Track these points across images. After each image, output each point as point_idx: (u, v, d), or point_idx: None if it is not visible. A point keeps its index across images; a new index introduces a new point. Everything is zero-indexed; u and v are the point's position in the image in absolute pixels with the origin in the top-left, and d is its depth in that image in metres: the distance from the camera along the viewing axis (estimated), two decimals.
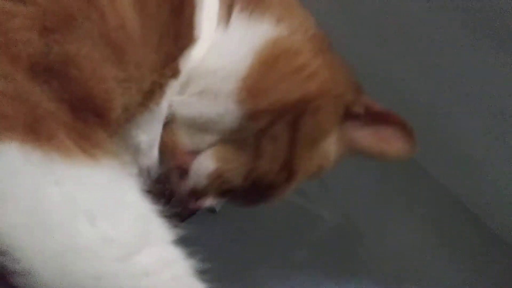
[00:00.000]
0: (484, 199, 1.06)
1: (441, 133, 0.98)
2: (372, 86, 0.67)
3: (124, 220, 0.41)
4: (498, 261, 1.11)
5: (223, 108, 0.58)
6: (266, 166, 0.62)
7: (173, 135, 0.60)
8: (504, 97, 0.83)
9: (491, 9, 0.76)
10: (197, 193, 0.63)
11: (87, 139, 0.41)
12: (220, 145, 0.61)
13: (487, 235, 1.10)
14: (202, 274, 0.44)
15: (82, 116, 0.41)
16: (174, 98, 0.58)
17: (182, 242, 0.45)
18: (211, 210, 1.17)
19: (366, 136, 0.67)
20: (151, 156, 0.58)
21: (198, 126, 0.60)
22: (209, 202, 0.65)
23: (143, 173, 0.58)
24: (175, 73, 0.55)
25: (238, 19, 0.61)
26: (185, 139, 0.60)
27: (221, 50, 0.59)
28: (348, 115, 0.66)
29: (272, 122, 0.60)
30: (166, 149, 0.59)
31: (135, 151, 0.56)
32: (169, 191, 0.63)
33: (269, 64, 0.59)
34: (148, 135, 0.56)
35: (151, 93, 0.52)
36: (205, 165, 0.61)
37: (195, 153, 0.62)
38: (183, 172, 0.62)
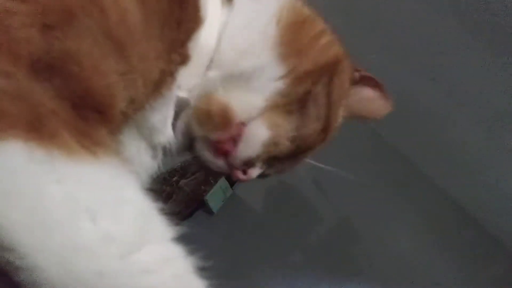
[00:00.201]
0: (482, 201, 1.07)
1: (440, 136, 0.98)
2: None
3: (125, 218, 0.41)
4: (496, 262, 1.12)
5: (265, 59, 0.59)
6: (311, 127, 0.64)
7: (223, 99, 0.59)
8: (503, 101, 0.84)
9: (491, 14, 0.77)
10: (248, 164, 0.63)
11: (88, 136, 0.41)
12: (270, 110, 0.61)
13: (484, 236, 1.11)
14: (202, 271, 0.44)
15: (83, 114, 0.41)
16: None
17: (182, 241, 0.45)
18: (209, 211, 1.18)
19: (357, 99, 0.73)
20: (166, 133, 0.57)
21: (243, 85, 0.60)
22: (256, 172, 0.65)
23: (160, 152, 0.58)
24: (184, 59, 0.55)
25: None
26: (237, 101, 0.60)
27: (239, 27, 0.60)
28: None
29: (312, 84, 0.63)
30: (212, 117, 0.58)
31: (150, 131, 0.56)
32: (168, 190, 0.63)
33: (294, 28, 0.62)
34: (161, 115, 0.56)
35: (162, 82, 0.52)
36: (259, 133, 0.61)
37: (243, 123, 0.61)
38: (231, 142, 0.61)
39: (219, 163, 0.62)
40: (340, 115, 0.70)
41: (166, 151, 0.59)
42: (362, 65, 0.71)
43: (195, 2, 0.55)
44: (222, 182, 1.39)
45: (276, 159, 0.66)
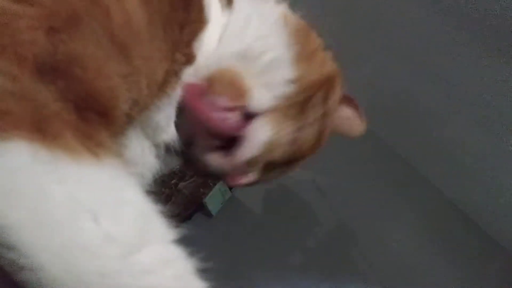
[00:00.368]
0: (480, 202, 1.07)
1: (438, 137, 0.99)
2: (370, 90, 0.69)
3: (126, 219, 0.41)
4: (494, 263, 1.12)
5: (282, 75, 0.61)
6: (308, 135, 0.66)
7: (232, 69, 0.59)
8: (502, 102, 0.85)
9: (490, 15, 0.77)
10: (249, 165, 0.63)
11: (91, 138, 0.41)
12: (273, 111, 0.62)
13: (482, 237, 1.11)
14: (202, 273, 0.44)
15: (86, 116, 0.42)
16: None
17: (182, 243, 0.45)
18: (208, 214, 1.18)
19: (340, 116, 0.76)
20: (170, 131, 0.58)
21: (260, 79, 0.61)
22: (251, 177, 0.66)
23: (163, 150, 0.59)
24: (190, 59, 0.56)
25: (241, 2, 0.63)
26: (251, 90, 0.60)
27: (243, 24, 0.62)
28: None
29: (315, 93, 0.65)
30: (220, 83, 0.59)
31: (154, 130, 0.57)
32: (167, 193, 0.63)
33: (301, 34, 0.64)
34: (165, 114, 0.56)
35: (167, 82, 0.53)
36: (263, 131, 0.61)
37: (249, 114, 0.61)
38: (233, 141, 0.61)
39: (216, 162, 0.62)
40: (330, 128, 0.71)
41: (169, 149, 0.59)
42: (361, 70, 0.72)
43: (200, 4, 0.56)
44: (221, 184, 1.39)
45: (270, 165, 0.66)
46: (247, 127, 0.60)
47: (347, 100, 0.75)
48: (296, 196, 1.06)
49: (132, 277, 0.40)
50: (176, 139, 0.59)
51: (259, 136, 0.61)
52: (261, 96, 0.61)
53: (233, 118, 0.59)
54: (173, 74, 0.54)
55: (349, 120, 0.77)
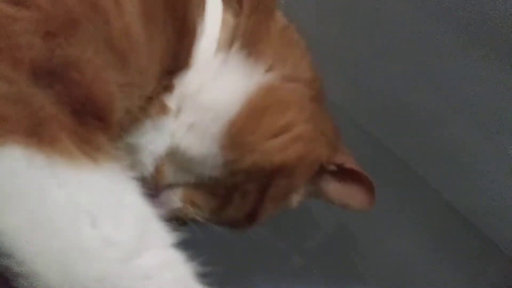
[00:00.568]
0: (478, 205, 1.07)
1: (437, 139, 0.99)
2: (369, 92, 0.69)
3: (125, 223, 0.41)
4: (493, 266, 1.12)
5: (206, 149, 0.59)
6: (230, 214, 0.65)
7: (162, 164, 0.61)
8: (501, 104, 0.85)
9: (485, 19, 0.78)
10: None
11: (88, 142, 0.41)
12: (191, 187, 0.63)
13: (482, 240, 1.11)
14: (203, 277, 0.44)
15: (83, 120, 0.41)
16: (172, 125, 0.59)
17: (181, 247, 0.45)
18: None
19: (333, 189, 0.72)
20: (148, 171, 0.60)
21: (183, 162, 0.61)
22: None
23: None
24: (169, 86, 0.56)
25: (235, 56, 0.61)
26: (168, 171, 0.62)
27: (216, 86, 0.60)
28: (321, 171, 0.70)
29: (247, 179, 0.62)
30: (152, 174, 0.60)
31: (136, 162, 0.57)
32: None
33: (257, 116, 0.60)
34: (151, 151, 0.58)
35: (151, 99, 0.53)
36: (171, 201, 0.63)
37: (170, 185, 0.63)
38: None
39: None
40: (286, 204, 0.70)
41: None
42: (359, 72, 0.71)
43: (189, 46, 0.56)
44: None
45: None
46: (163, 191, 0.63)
47: (349, 173, 0.70)
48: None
49: (131, 281, 0.39)
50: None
51: (168, 203, 0.63)
52: (179, 177, 0.62)
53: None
54: (157, 93, 0.54)
55: (350, 196, 0.71)
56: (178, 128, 0.59)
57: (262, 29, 0.63)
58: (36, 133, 0.37)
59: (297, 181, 0.67)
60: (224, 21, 0.61)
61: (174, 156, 0.60)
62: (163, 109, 0.56)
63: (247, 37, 0.61)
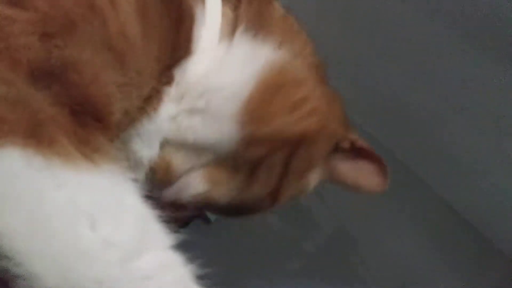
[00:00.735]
0: (479, 207, 1.07)
1: (437, 141, 0.99)
2: (368, 92, 0.69)
3: (125, 224, 0.41)
4: (493, 268, 1.12)
5: (223, 129, 0.59)
6: (255, 192, 0.63)
7: (168, 156, 0.60)
8: (500, 105, 0.85)
9: (485, 19, 0.78)
10: (177, 205, 0.63)
11: (87, 143, 0.41)
12: (213, 166, 0.61)
13: (482, 242, 1.11)
14: (201, 279, 0.44)
15: (82, 121, 0.41)
16: (176, 116, 0.58)
17: (180, 249, 0.45)
18: (206, 220, 1.17)
19: (346, 169, 0.71)
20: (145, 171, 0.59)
21: (195, 147, 0.60)
22: (186, 214, 0.65)
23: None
24: (169, 81, 0.56)
25: (241, 39, 0.61)
26: (179, 161, 0.60)
27: (225, 69, 0.60)
28: (335, 149, 0.69)
29: (270, 152, 0.61)
30: (158, 169, 0.59)
31: (135, 164, 0.57)
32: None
33: (272, 91, 0.60)
34: (149, 151, 0.57)
35: (149, 99, 0.53)
36: (194, 186, 0.61)
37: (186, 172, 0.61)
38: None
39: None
40: (307, 183, 0.69)
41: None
42: (359, 73, 0.71)
43: (189, 33, 0.56)
44: None
45: (213, 208, 0.66)
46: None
47: (362, 151, 0.70)
48: (295, 201, 1.05)
49: (131, 283, 0.39)
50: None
51: (190, 189, 0.61)
52: (195, 161, 0.61)
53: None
54: (155, 92, 0.54)
55: (363, 175, 0.70)
56: (181, 114, 0.58)
57: (265, 13, 0.63)
58: (34, 135, 0.37)
59: (317, 154, 0.66)
60: (224, 13, 0.62)
61: (182, 143, 0.59)
62: (161, 101, 0.56)
63: (251, 20, 0.61)
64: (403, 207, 1.15)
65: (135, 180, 0.55)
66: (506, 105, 0.86)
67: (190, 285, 0.44)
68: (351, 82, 0.69)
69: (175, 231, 0.45)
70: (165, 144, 0.59)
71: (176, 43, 0.54)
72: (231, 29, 0.61)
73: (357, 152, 0.70)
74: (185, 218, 0.67)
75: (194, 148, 0.60)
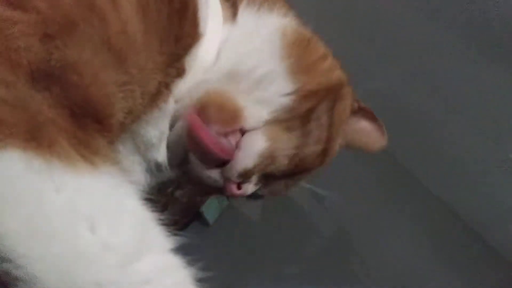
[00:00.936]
0: (477, 208, 1.07)
1: (437, 144, 0.99)
2: (368, 93, 0.69)
3: (124, 228, 0.41)
4: (493, 272, 1.12)
5: (277, 89, 0.60)
6: (311, 147, 0.64)
7: (236, 102, 0.58)
8: (499, 104, 0.85)
9: (485, 20, 0.78)
10: (243, 176, 0.61)
11: (87, 146, 0.41)
12: (271, 124, 0.60)
13: (482, 246, 1.11)
14: (200, 282, 0.44)
15: (82, 123, 0.41)
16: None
17: (179, 252, 0.45)
18: (205, 223, 1.17)
19: (361, 127, 0.74)
20: (161, 149, 0.57)
21: (255, 96, 0.60)
22: (251, 188, 0.64)
23: (154, 166, 0.58)
24: (180, 72, 0.55)
25: (245, 14, 0.62)
26: (246, 111, 0.59)
27: (241, 39, 0.60)
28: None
29: (318, 102, 0.63)
30: (221, 109, 0.58)
31: (146, 146, 0.56)
32: (163, 201, 0.62)
33: (300, 46, 0.62)
34: (158, 130, 0.56)
35: (159, 94, 0.52)
36: (258, 143, 0.60)
37: (242, 130, 0.60)
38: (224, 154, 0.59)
39: (213, 175, 0.60)
40: (339, 141, 0.70)
41: (159, 166, 0.59)
42: (359, 74, 0.71)
43: (193, 18, 0.55)
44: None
45: (271, 177, 0.65)
46: (242, 138, 0.59)
47: (364, 112, 0.73)
48: (294, 204, 1.05)
49: (130, 286, 0.39)
50: (167, 157, 0.58)
51: (254, 147, 0.60)
52: (256, 113, 0.60)
53: (229, 143, 0.58)
54: (165, 86, 0.53)
55: (367, 133, 0.74)
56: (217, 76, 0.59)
57: None
58: (34, 137, 0.37)
59: (347, 107, 0.69)
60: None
61: (239, 86, 0.59)
62: (171, 94, 0.55)
63: None
64: (402, 209, 1.15)
65: (135, 182, 0.55)
66: (506, 106, 0.86)
67: None
68: (351, 82, 0.69)
69: (174, 234, 0.45)
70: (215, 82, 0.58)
71: (181, 33, 0.53)
72: (233, 8, 0.63)
73: (362, 113, 0.73)
74: (183, 221, 0.67)
75: (253, 86, 0.60)
